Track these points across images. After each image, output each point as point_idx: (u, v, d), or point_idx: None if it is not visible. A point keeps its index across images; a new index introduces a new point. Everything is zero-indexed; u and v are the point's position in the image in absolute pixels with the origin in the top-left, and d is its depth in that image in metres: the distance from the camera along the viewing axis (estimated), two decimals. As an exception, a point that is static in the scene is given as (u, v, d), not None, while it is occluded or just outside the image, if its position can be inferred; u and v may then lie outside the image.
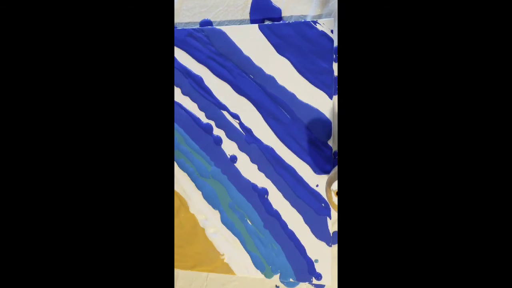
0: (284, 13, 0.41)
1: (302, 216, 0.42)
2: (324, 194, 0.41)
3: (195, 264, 0.45)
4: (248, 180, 0.43)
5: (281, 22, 0.41)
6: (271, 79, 0.41)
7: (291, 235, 0.42)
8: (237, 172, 0.43)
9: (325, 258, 0.41)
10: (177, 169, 0.45)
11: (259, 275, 0.43)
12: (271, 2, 0.42)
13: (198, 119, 0.44)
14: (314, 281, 0.42)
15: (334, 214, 0.41)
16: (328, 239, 0.41)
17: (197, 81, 0.44)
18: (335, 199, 0.34)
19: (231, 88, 0.43)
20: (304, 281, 0.42)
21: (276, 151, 0.42)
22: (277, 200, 0.42)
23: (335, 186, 0.34)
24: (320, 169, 0.41)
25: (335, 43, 0.40)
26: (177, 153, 0.45)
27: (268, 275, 0.43)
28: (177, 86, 0.44)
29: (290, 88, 0.41)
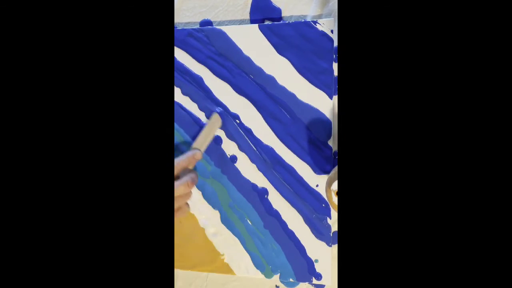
0: (284, 13, 0.41)
1: (302, 216, 0.42)
2: (324, 194, 0.41)
3: (195, 264, 0.45)
4: (248, 180, 0.43)
5: (281, 22, 0.41)
6: (271, 79, 0.41)
7: (291, 235, 0.42)
8: (237, 172, 0.43)
9: (325, 258, 0.41)
10: (177, 169, 0.45)
11: (259, 275, 0.43)
12: (271, 2, 0.42)
13: (198, 119, 0.44)
14: (314, 281, 0.42)
15: (334, 214, 0.41)
16: (328, 239, 0.41)
17: (197, 81, 0.44)
18: (335, 199, 0.34)
19: (231, 88, 0.43)
20: (304, 281, 0.42)
21: (276, 151, 0.42)
22: (277, 200, 0.42)
23: (335, 186, 0.34)
24: (320, 169, 0.41)
25: (335, 43, 0.40)
26: (177, 153, 0.45)
27: (268, 275, 0.43)
28: (177, 86, 0.44)
29: (290, 88, 0.41)
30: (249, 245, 0.43)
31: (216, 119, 0.43)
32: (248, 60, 0.42)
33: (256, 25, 0.41)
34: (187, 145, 0.45)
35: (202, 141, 0.43)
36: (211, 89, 0.43)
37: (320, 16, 0.40)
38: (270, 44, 0.41)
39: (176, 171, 0.40)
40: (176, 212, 0.41)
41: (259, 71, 0.42)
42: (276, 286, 0.43)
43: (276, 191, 0.42)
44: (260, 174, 0.43)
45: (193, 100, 0.44)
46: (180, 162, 0.40)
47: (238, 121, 0.43)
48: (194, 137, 0.45)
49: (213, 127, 0.43)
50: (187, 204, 0.42)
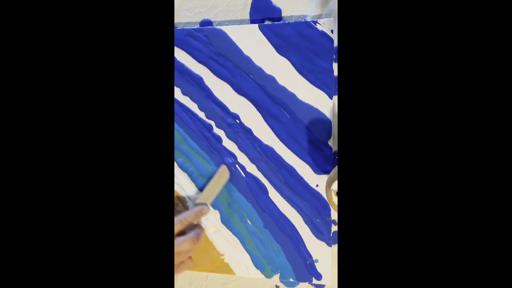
0: (284, 13, 0.41)
1: (302, 216, 0.42)
2: (324, 194, 0.41)
3: (195, 264, 0.45)
4: (248, 180, 0.43)
5: (281, 22, 0.41)
6: (271, 79, 0.41)
7: (291, 235, 0.42)
8: (237, 172, 0.43)
9: (325, 258, 0.41)
10: (177, 169, 0.45)
11: (259, 275, 0.43)
12: (271, 2, 0.42)
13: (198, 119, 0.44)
14: (314, 281, 0.42)
15: (334, 214, 0.41)
16: (328, 239, 0.41)
17: (197, 81, 0.44)
18: (335, 199, 0.34)
19: (231, 88, 0.43)
20: (304, 281, 0.42)
21: (276, 151, 0.42)
22: (277, 200, 0.42)
23: (335, 186, 0.34)
24: (320, 169, 0.41)
25: (335, 43, 0.40)
26: (177, 153, 0.45)
27: (268, 275, 0.43)
28: (177, 86, 0.44)
29: (290, 88, 0.41)
30: (249, 245, 0.43)
31: (223, 171, 0.42)
32: (248, 60, 0.42)
33: (256, 25, 0.41)
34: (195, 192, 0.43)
35: (209, 195, 0.41)
36: (211, 89, 0.43)
37: (320, 16, 0.40)
38: (270, 44, 0.41)
39: (181, 227, 0.39)
40: (179, 266, 0.39)
41: (259, 71, 0.42)
42: (276, 286, 0.43)
43: (276, 191, 0.42)
44: (260, 174, 0.43)
45: (193, 100, 0.44)
46: (186, 218, 0.39)
47: (238, 121, 0.43)
48: (200, 189, 0.44)
49: (221, 180, 0.42)
50: (190, 258, 0.41)
